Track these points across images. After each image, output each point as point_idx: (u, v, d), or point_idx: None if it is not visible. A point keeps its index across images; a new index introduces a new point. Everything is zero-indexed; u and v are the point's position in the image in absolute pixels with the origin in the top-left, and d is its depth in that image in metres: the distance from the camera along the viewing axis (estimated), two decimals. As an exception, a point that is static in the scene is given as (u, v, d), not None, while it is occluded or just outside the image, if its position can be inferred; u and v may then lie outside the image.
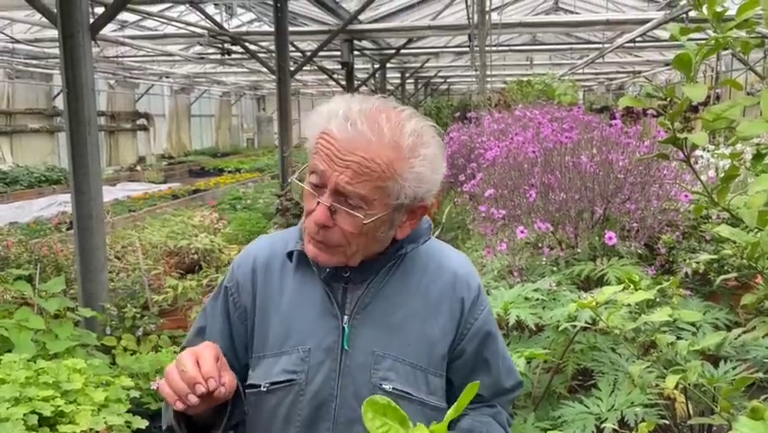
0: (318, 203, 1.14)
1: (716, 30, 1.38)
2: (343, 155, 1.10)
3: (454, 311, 1.27)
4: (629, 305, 1.56)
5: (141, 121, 20.85)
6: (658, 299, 2.16)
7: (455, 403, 0.95)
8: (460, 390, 1.29)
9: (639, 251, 2.97)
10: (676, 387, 2.10)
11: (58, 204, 10.70)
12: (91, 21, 3.90)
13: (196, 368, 1.07)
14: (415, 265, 1.27)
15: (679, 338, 1.66)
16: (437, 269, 1.29)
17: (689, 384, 1.43)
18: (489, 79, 8.80)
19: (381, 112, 1.13)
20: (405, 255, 1.26)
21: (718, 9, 1.39)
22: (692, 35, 1.40)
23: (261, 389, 1.22)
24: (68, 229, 6.76)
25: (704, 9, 1.36)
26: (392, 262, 1.25)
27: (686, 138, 1.27)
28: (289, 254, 1.27)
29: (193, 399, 1.05)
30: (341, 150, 1.10)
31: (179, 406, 1.07)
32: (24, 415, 1.93)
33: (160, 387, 1.10)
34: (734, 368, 1.91)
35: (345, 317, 1.22)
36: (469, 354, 1.28)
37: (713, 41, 1.31)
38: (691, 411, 2.06)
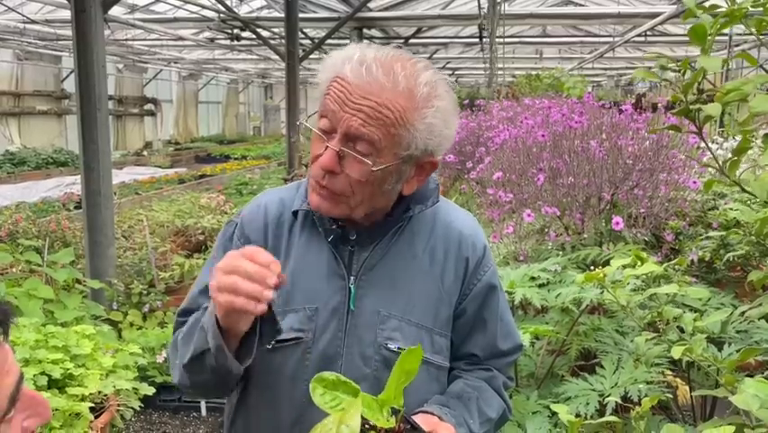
0: (327, 148, 1.12)
1: (731, 7, 1.38)
2: (356, 99, 1.09)
3: (459, 271, 1.27)
4: (636, 279, 1.57)
5: (149, 106, 20.88)
6: (663, 283, 2.17)
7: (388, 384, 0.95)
8: (459, 349, 1.31)
9: (645, 238, 2.98)
10: (679, 373, 2.12)
11: (65, 185, 10.74)
12: (104, -3, 3.92)
13: (256, 265, 1.02)
14: (421, 226, 1.27)
15: (684, 314, 1.67)
16: (444, 229, 1.28)
17: (694, 358, 1.44)
18: (498, 72, 8.78)
19: (397, 60, 1.12)
20: (412, 217, 1.25)
21: (734, -13, 1.39)
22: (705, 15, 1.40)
23: (267, 346, 1.19)
24: (75, 208, 6.80)
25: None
26: (399, 225, 1.24)
27: (699, 109, 1.27)
28: (295, 213, 1.26)
29: (269, 293, 1.01)
30: (353, 93, 1.09)
31: (261, 307, 1.02)
32: (34, 376, 1.96)
33: (226, 303, 1.02)
34: (737, 351, 1.92)
35: (352, 277, 1.22)
36: (469, 315, 1.29)
37: (728, 14, 1.31)
38: (695, 394, 2.07)
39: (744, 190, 1.32)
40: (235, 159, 16.97)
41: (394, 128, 1.10)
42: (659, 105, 3.74)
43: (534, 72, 10.72)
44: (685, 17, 1.44)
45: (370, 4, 9.54)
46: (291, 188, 1.32)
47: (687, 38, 1.36)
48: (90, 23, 3.80)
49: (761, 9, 1.37)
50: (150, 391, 2.39)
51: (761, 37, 1.44)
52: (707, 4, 1.45)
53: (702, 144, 1.72)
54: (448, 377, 1.31)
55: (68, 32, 10.31)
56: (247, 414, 1.27)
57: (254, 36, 9.86)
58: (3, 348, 0.72)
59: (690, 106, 1.30)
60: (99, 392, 2.10)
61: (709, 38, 1.33)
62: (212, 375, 1.15)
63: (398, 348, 1.21)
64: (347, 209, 1.17)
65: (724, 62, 1.43)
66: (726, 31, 1.45)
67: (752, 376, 1.87)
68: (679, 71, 1.33)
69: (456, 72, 24.42)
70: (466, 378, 1.30)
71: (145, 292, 4.03)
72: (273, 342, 1.18)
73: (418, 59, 1.16)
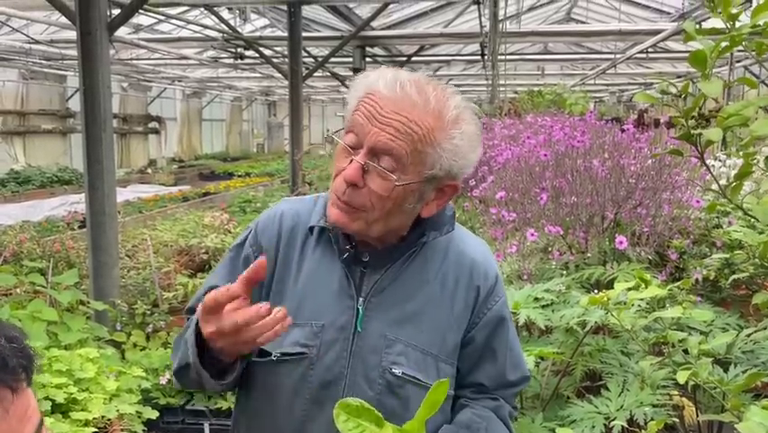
0: (351, 161, 1.13)
1: (731, 32, 1.39)
2: (387, 113, 1.11)
3: (469, 299, 1.26)
4: (641, 300, 1.56)
5: (153, 124, 21.00)
6: (668, 304, 2.16)
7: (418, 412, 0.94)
8: (465, 378, 1.30)
9: (649, 257, 2.97)
10: (685, 394, 2.10)
11: (69, 204, 10.76)
12: (109, 20, 3.96)
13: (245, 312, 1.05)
14: (435, 252, 1.26)
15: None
16: (456, 256, 1.28)
17: (700, 382, 1.43)
18: (500, 89, 8.83)
19: (429, 83, 1.16)
20: (426, 243, 1.25)
21: (733, 11, 1.40)
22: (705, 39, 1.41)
23: (272, 358, 1.21)
24: (79, 227, 6.81)
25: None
26: (413, 250, 1.24)
27: (700, 134, 1.28)
28: (311, 228, 1.26)
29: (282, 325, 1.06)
30: (385, 107, 1.11)
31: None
32: (38, 401, 1.96)
33: (244, 338, 1.06)
34: (744, 372, 1.91)
35: (361, 298, 1.22)
36: (478, 343, 1.28)
37: (728, 39, 1.32)
38: (700, 418, 2.05)
39: (746, 214, 1.32)
40: (239, 176, 17.02)
41: (421, 145, 1.12)
42: (661, 121, 3.75)
43: (536, 88, 10.76)
44: (685, 40, 1.45)
45: (373, 23, 9.62)
46: (309, 201, 1.33)
47: (689, 54, 1.37)
48: (96, 46, 3.84)
49: (760, 32, 1.38)
50: (154, 414, 2.39)
51: (761, 58, 1.45)
52: (706, 24, 1.45)
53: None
54: (454, 405, 1.30)
55: (73, 51, 10.38)
56: (249, 423, 1.29)
57: (257, 55, 9.93)
58: (25, 394, 0.72)
59: (692, 131, 1.30)
60: (103, 417, 2.10)
61: (710, 62, 1.34)
62: (198, 384, 1.19)
63: (403, 373, 1.21)
64: (364, 225, 1.17)
65: (725, 86, 1.43)
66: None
67: (758, 396, 1.86)
68: (680, 96, 1.33)
69: (459, 89, 24.51)
70: (473, 407, 1.29)
71: (149, 312, 4.02)
72: (279, 354, 1.20)
73: (448, 85, 1.21)
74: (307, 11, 9.65)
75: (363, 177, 1.13)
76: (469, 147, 1.16)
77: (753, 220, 2.14)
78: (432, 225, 1.25)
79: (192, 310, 1.33)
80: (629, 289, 1.63)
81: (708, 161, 1.50)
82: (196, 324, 1.14)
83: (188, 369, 1.16)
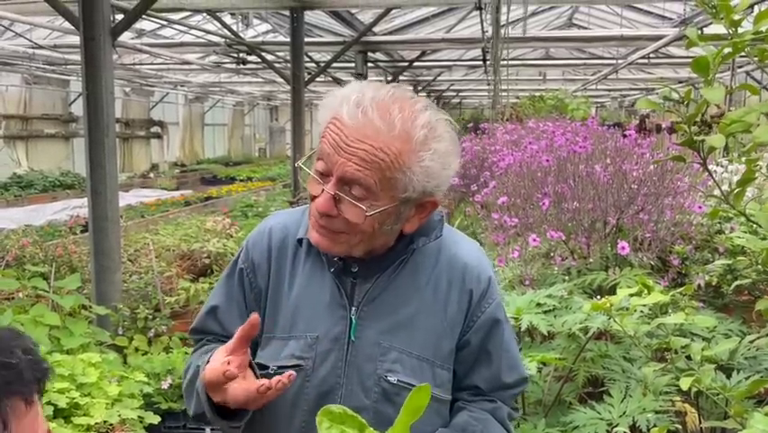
0: (323, 191, 1.13)
1: (733, 38, 1.39)
2: (351, 143, 1.09)
3: (462, 303, 1.26)
4: (643, 306, 1.56)
5: (155, 129, 21.02)
6: (671, 310, 2.16)
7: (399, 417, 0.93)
8: (461, 381, 1.30)
9: (652, 262, 2.97)
10: (688, 400, 2.10)
11: (71, 208, 10.76)
12: (112, 25, 3.98)
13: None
14: (426, 258, 1.26)
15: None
16: (448, 260, 1.27)
17: (702, 388, 1.43)
18: (502, 94, 8.85)
19: (395, 101, 1.11)
20: (415, 250, 1.25)
21: (735, 17, 1.40)
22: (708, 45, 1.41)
23: (269, 371, 1.21)
24: (82, 232, 6.82)
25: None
26: (402, 258, 1.24)
27: (703, 140, 1.28)
28: (300, 241, 1.27)
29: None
30: (349, 137, 1.09)
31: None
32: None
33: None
34: (747, 378, 1.90)
35: (353, 308, 1.22)
36: (473, 346, 1.27)
37: (730, 45, 1.32)
38: (703, 425, 2.05)
39: (749, 220, 1.32)
40: (241, 180, 17.03)
41: (389, 172, 1.10)
42: (663, 126, 3.75)
43: (538, 93, 10.78)
44: (687, 46, 1.46)
45: (375, 29, 9.64)
46: (297, 213, 1.34)
47: (690, 59, 1.37)
48: (99, 51, 3.85)
49: (762, 39, 1.38)
50: (156, 419, 2.39)
51: (763, 64, 1.45)
52: (708, 30, 1.46)
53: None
54: (451, 407, 1.30)
55: (76, 56, 10.41)
56: None
57: (260, 60, 9.96)
58: (35, 407, 0.73)
59: (694, 137, 1.30)
60: (105, 422, 2.11)
61: (712, 68, 1.34)
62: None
63: (398, 381, 1.21)
64: (347, 247, 1.18)
65: (727, 92, 1.43)
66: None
67: (761, 403, 1.86)
68: (682, 102, 1.33)
69: (460, 94, 24.57)
70: (470, 409, 1.29)
71: (151, 317, 4.02)
72: (276, 367, 1.21)
73: (418, 98, 1.16)
74: (310, 16, 9.67)
75: (336, 206, 1.13)
76: (441, 165, 1.14)
77: (755, 226, 2.14)
78: (420, 231, 1.24)
79: (197, 331, 1.35)
80: (632, 294, 1.63)
81: (710, 167, 1.50)
82: None
83: (204, 415, 1.20)
